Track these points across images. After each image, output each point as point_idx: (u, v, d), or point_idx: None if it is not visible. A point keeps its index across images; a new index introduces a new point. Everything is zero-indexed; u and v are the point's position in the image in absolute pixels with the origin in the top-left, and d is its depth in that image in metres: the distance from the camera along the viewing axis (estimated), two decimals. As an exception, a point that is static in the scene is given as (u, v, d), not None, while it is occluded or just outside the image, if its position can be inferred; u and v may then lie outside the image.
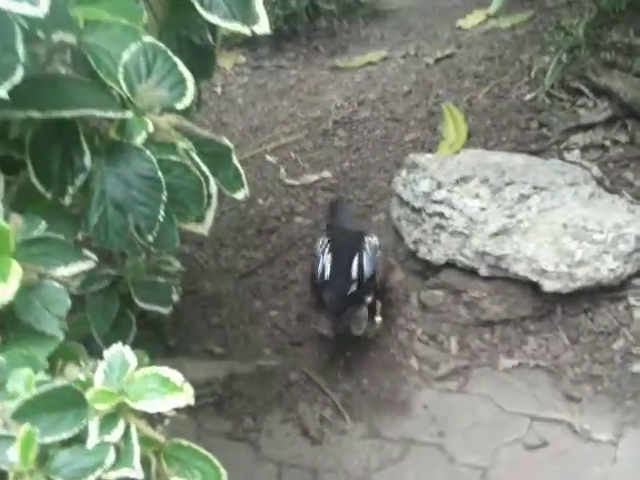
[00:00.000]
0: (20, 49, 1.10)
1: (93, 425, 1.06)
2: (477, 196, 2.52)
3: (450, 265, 2.56)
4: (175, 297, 1.95)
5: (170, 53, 1.42)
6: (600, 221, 2.42)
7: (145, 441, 1.10)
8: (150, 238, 1.32)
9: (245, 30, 1.55)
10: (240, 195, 1.58)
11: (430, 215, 2.58)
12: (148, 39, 1.41)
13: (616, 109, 3.14)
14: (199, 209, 1.41)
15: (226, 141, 1.55)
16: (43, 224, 1.23)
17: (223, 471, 1.18)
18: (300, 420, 2.27)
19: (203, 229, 1.49)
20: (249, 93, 4.23)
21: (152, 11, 1.69)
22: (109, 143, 1.33)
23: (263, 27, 1.59)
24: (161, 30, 1.70)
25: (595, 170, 2.87)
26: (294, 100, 4.04)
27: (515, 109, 3.43)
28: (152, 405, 1.07)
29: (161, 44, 1.43)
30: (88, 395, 1.06)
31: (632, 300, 2.45)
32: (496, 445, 2.13)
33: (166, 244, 1.38)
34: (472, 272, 2.51)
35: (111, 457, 1.05)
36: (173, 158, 1.36)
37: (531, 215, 2.47)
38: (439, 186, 2.56)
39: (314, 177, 3.31)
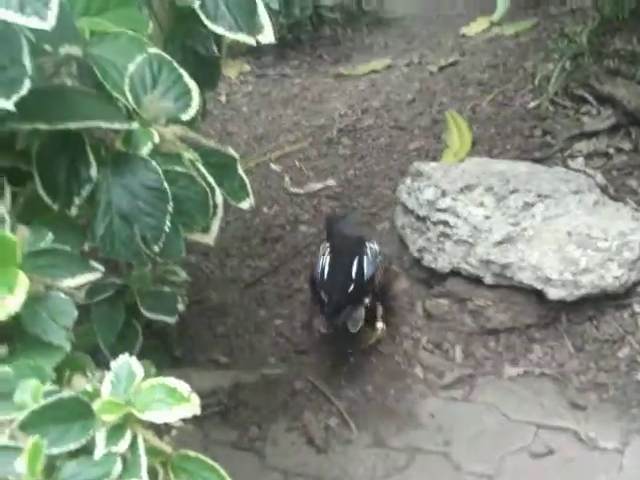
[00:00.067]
0: (27, 62, 1.11)
1: (100, 436, 1.06)
2: (481, 204, 2.52)
3: (455, 273, 2.56)
4: (181, 307, 1.95)
5: (175, 64, 1.43)
6: (604, 229, 2.41)
7: (152, 452, 1.10)
8: (156, 248, 1.32)
9: (250, 40, 1.56)
10: (245, 205, 1.58)
11: (435, 223, 2.58)
12: (154, 50, 1.42)
13: (620, 117, 3.14)
14: (205, 219, 1.41)
15: (231, 151, 1.56)
16: (50, 235, 1.23)
17: (229, 480, 1.18)
18: (305, 429, 2.27)
19: (209, 239, 1.49)
20: (254, 102, 4.24)
21: (157, 22, 1.70)
22: (115, 154, 1.33)
23: (268, 37, 1.60)
24: (166, 41, 1.71)
25: (599, 178, 2.87)
26: (298, 108, 4.05)
27: (519, 117, 3.43)
28: (159, 416, 1.07)
29: (166, 55, 1.44)
30: (95, 406, 1.07)
31: (637, 308, 2.45)
32: (502, 453, 2.13)
33: (172, 254, 1.38)
34: (477, 280, 2.51)
35: (118, 468, 1.04)
36: (179, 169, 1.36)
37: (535, 223, 2.47)
38: (443, 194, 2.56)
39: (318, 185, 3.32)
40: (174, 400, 1.08)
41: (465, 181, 2.59)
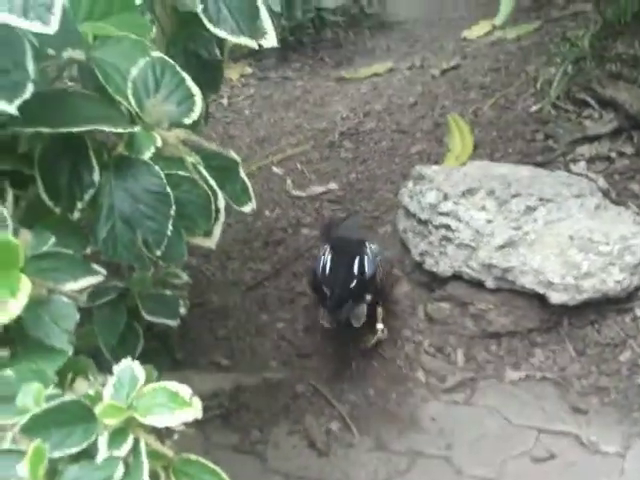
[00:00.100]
0: (30, 66, 1.11)
1: (102, 440, 1.06)
2: (483, 208, 2.52)
3: (456, 277, 2.56)
4: (182, 310, 1.95)
5: (178, 68, 1.43)
6: (606, 233, 2.42)
7: (154, 456, 1.10)
8: (158, 252, 1.32)
9: (253, 44, 1.56)
10: (247, 209, 1.59)
11: (436, 227, 2.58)
12: (156, 54, 1.42)
13: (622, 120, 3.14)
14: (207, 223, 1.41)
15: (233, 155, 1.56)
16: (52, 239, 1.23)
17: (231, 485, 1.18)
18: (307, 432, 2.27)
19: (211, 243, 1.50)
20: (255, 104, 4.24)
21: (160, 26, 1.70)
22: (117, 158, 1.33)
23: (270, 40, 1.61)
24: (168, 44, 1.71)
25: (601, 182, 2.87)
26: (300, 111, 4.06)
27: (521, 121, 3.44)
28: (161, 420, 1.07)
29: (169, 59, 1.44)
30: (97, 410, 1.07)
31: (639, 312, 2.45)
32: (503, 457, 2.13)
33: (174, 258, 1.38)
34: (479, 284, 2.51)
35: (120, 472, 1.05)
36: (181, 173, 1.36)
37: (537, 227, 2.47)
38: (445, 198, 2.57)
39: (320, 189, 3.32)
40: (176, 404, 1.08)
41: (467, 185, 2.59)
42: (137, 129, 1.31)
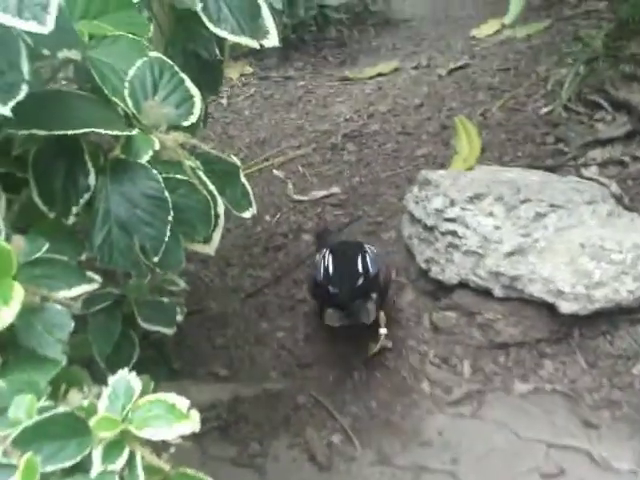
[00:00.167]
0: (25, 67, 1.12)
1: (96, 453, 1.06)
2: (491, 214, 2.52)
3: (463, 285, 2.56)
4: (179, 317, 1.95)
5: (177, 68, 1.44)
6: (619, 241, 2.41)
7: (150, 470, 1.10)
8: (156, 259, 1.33)
9: (254, 44, 1.57)
10: (248, 214, 1.59)
11: (443, 233, 2.58)
12: (154, 54, 1.43)
13: (635, 123, 3.14)
14: (206, 229, 1.42)
15: (234, 159, 1.57)
16: (46, 245, 1.24)
17: (229, 499, 1.19)
18: (307, 445, 2.27)
19: (210, 249, 1.50)
20: (256, 104, 4.26)
21: (158, 24, 1.71)
22: (114, 161, 1.34)
23: (272, 40, 1.62)
24: (167, 44, 1.72)
25: (614, 187, 2.87)
26: (302, 112, 4.07)
27: (531, 123, 3.44)
28: (158, 433, 1.07)
29: (167, 59, 1.45)
30: (91, 422, 1.07)
31: (652, 322, 2.45)
32: (511, 473, 2.12)
33: (172, 265, 1.39)
34: (486, 293, 2.51)
35: (115, 486, 1.05)
36: (180, 177, 1.37)
37: (547, 234, 2.47)
38: (452, 203, 2.57)
39: (322, 193, 3.33)
40: (173, 417, 1.09)
41: (474, 190, 2.59)
42: (134, 132, 1.32)
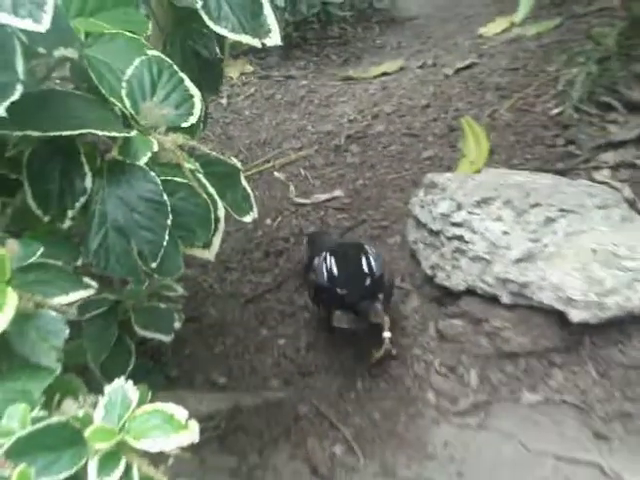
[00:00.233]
0: (20, 66, 1.12)
1: (92, 465, 1.06)
2: (499, 219, 2.52)
3: (470, 292, 2.55)
4: (177, 324, 1.96)
5: (176, 68, 1.44)
6: (632, 247, 2.41)
7: (147, 482, 1.10)
8: (154, 265, 1.33)
9: (256, 43, 1.57)
10: (249, 218, 1.59)
11: (449, 238, 2.58)
12: (153, 52, 1.43)
13: (649, 125, 3.15)
14: (206, 234, 1.42)
15: (235, 161, 1.57)
16: (41, 249, 1.24)
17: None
18: (309, 456, 2.27)
19: (209, 255, 1.50)
20: (256, 104, 4.26)
21: (156, 22, 1.71)
22: (111, 163, 1.34)
23: (274, 39, 1.62)
24: (165, 42, 1.72)
25: (627, 191, 2.87)
26: (304, 113, 4.07)
27: (540, 124, 3.44)
28: (155, 444, 1.07)
29: (166, 58, 1.45)
30: (87, 433, 1.07)
31: (666, 332, 2.45)
32: (519, 487, 2.13)
33: (171, 271, 1.39)
34: (494, 300, 2.50)
35: (111, 499, 1.05)
36: (179, 179, 1.37)
37: (557, 240, 2.47)
38: (459, 207, 2.57)
39: (325, 196, 3.33)
40: (171, 427, 1.09)
41: (482, 194, 2.59)
42: (132, 133, 1.32)
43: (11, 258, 1.15)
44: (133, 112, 1.35)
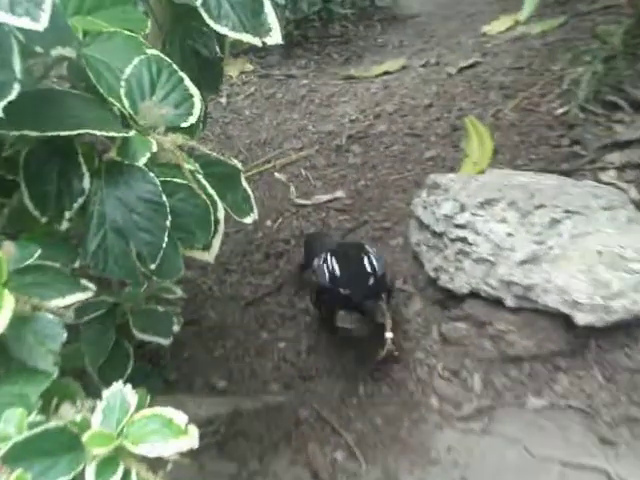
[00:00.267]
0: (17, 65, 1.12)
1: (90, 470, 1.06)
2: (504, 220, 2.52)
3: (474, 295, 2.55)
4: (176, 327, 1.95)
5: (175, 67, 1.44)
6: (639, 249, 2.41)
7: (146, 488, 1.10)
8: (153, 267, 1.33)
9: (256, 41, 1.57)
10: (249, 220, 1.59)
11: (452, 240, 2.58)
12: (152, 51, 1.43)
13: (656, 125, 3.14)
14: (206, 236, 1.42)
15: (235, 162, 1.57)
16: (38, 251, 1.24)
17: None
18: (310, 462, 2.27)
19: (209, 257, 1.50)
20: (256, 104, 4.26)
21: (155, 20, 1.71)
22: (109, 163, 1.34)
23: (275, 38, 1.62)
24: (165, 41, 1.72)
25: (633, 192, 2.86)
26: (305, 112, 4.07)
27: (545, 124, 3.44)
28: (154, 449, 1.07)
29: (166, 57, 1.45)
30: (84, 438, 1.07)
31: (673, 335, 2.45)
32: (523, 493, 2.13)
33: (170, 273, 1.39)
34: (498, 303, 2.50)
35: (109, 505, 1.05)
36: (178, 180, 1.37)
37: (562, 242, 2.47)
38: (462, 209, 2.57)
39: (326, 197, 3.33)
40: (170, 432, 1.09)
41: (486, 195, 2.59)
42: (131, 133, 1.32)
43: (8, 260, 1.15)
44: (132, 112, 1.35)
